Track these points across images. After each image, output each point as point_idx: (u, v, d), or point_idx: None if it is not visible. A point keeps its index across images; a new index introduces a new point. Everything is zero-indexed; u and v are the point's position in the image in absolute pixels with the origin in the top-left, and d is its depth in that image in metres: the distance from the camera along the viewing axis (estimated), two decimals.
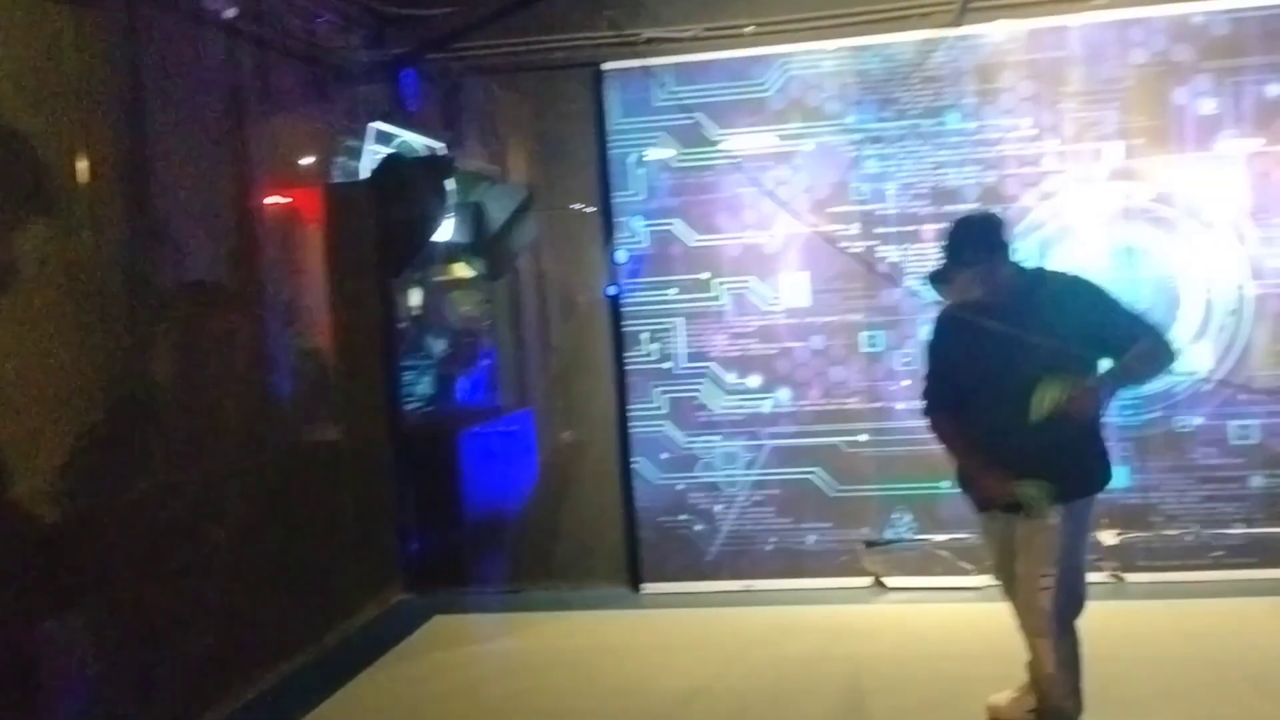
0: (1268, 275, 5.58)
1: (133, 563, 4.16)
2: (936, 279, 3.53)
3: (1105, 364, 3.46)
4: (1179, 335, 3.50)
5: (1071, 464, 3.41)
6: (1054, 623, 3.35)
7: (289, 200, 5.49)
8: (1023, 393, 3.27)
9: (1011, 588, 3.60)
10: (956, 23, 5.65)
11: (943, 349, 3.68)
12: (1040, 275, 3.64)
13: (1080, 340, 3.35)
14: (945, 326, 3.68)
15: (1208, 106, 5.60)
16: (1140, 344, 3.40)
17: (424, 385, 6.14)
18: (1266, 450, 5.61)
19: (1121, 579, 5.67)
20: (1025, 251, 5.66)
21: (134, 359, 4.29)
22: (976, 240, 3.45)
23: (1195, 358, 5.61)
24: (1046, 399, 3.26)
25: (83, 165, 4.02)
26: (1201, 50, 5.59)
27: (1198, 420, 5.64)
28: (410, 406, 6.04)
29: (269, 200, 5.34)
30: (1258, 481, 5.61)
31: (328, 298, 5.70)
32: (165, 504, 4.37)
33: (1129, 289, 5.56)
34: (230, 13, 4.94)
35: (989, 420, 3.43)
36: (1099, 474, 3.57)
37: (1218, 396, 5.62)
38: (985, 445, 3.49)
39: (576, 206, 6.11)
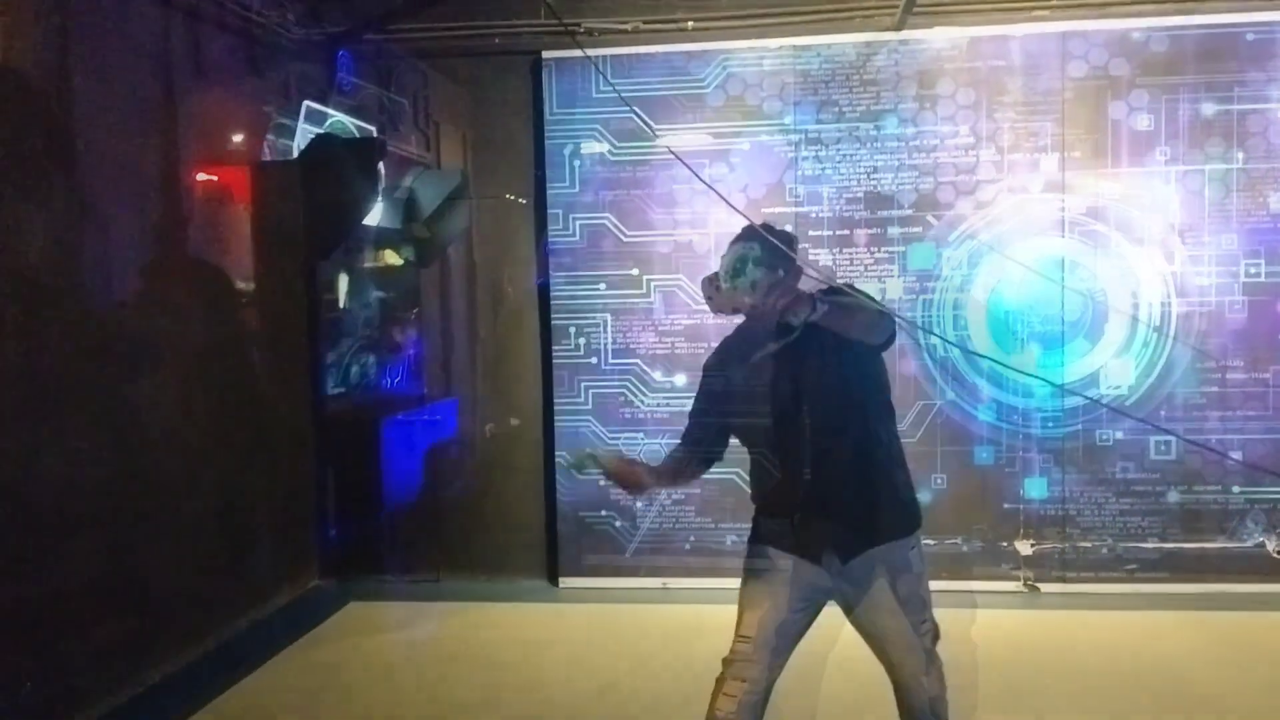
0: (1192, 293, 5.63)
1: (40, 544, 4.09)
2: (710, 283, 3.06)
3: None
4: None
5: (878, 504, 3.13)
6: (934, 655, 3.26)
7: (218, 177, 5.39)
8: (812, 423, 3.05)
9: (780, 649, 3.23)
10: (898, 26, 5.63)
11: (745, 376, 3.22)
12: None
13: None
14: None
15: (1143, 122, 5.63)
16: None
17: (348, 370, 6.07)
18: (1184, 467, 5.66)
19: (1036, 588, 5.73)
20: (953, 261, 5.70)
21: (50, 334, 4.20)
22: (772, 236, 3.03)
23: (1118, 372, 5.68)
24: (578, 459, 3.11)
25: (6, 134, 3.93)
26: (1139, 66, 5.61)
27: (1118, 435, 5.69)
28: (333, 391, 5.97)
29: (198, 176, 5.25)
30: (1174, 497, 5.67)
31: (254, 277, 5.61)
32: (76, 483, 4.30)
33: (1056, 300, 5.67)
34: None
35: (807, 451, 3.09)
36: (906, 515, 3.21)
37: (1139, 412, 5.66)
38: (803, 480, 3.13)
39: (510, 197, 6.04)
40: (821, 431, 3.05)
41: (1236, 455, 5.61)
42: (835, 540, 3.14)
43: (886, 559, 3.17)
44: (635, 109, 5.73)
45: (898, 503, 3.19)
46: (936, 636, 3.26)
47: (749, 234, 3.11)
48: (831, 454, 3.08)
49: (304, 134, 5.71)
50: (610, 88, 5.87)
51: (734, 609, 5.81)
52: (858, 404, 3.08)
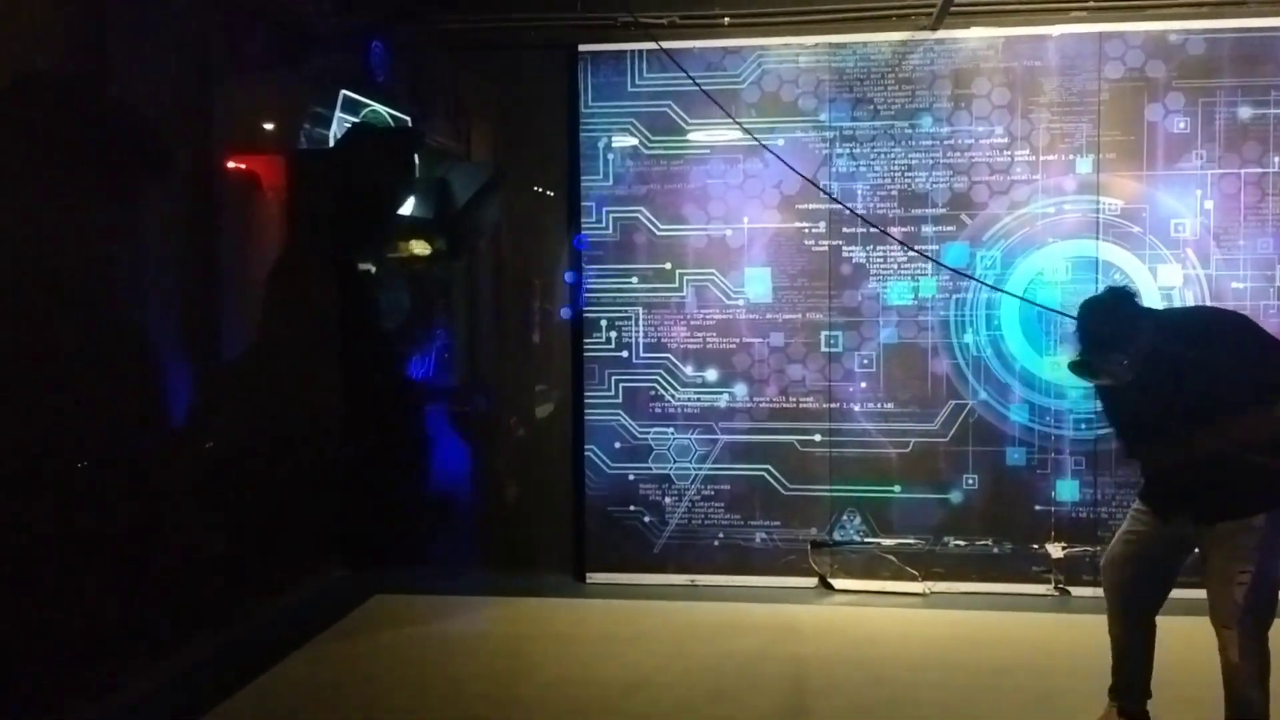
0: (1228, 297, 5.59)
1: (68, 531, 4.07)
2: (1078, 369, 3.54)
3: None
4: None
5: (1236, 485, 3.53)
6: (1244, 615, 3.46)
7: (254, 165, 5.40)
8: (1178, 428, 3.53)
9: (1146, 581, 3.90)
10: (935, 26, 5.62)
11: (1111, 403, 3.85)
12: (1188, 317, 4.01)
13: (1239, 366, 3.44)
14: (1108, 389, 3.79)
15: (1179, 125, 5.61)
16: None
17: (377, 361, 6.05)
18: None
19: (1066, 592, 5.69)
20: (986, 260, 5.67)
21: (82, 320, 4.19)
22: (1103, 325, 3.48)
23: None
24: None
25: (43, 117, 3.93)
26: (1176, 68, 5.59)
27: None
28: (362, 381, 5.95)
29: (233, 164, 5.26)
30: None
31: (287, 266, 5.61)
32: (103, 471, 4.28)
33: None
34: None
35: (1161, 455, 3.69)
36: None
37: None
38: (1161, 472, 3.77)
39: (540, 189, 6.03)
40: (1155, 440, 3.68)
41: None
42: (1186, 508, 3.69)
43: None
44: (715, 100, 5.70)
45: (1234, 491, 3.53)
46: (1249, 599, 3.44)
47: (1090, 319, 3.53)
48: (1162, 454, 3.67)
49: (340, 123, 5.72)
50: (646, 81, 5.85)
51: (762, 607, 5.82)
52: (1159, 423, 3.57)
